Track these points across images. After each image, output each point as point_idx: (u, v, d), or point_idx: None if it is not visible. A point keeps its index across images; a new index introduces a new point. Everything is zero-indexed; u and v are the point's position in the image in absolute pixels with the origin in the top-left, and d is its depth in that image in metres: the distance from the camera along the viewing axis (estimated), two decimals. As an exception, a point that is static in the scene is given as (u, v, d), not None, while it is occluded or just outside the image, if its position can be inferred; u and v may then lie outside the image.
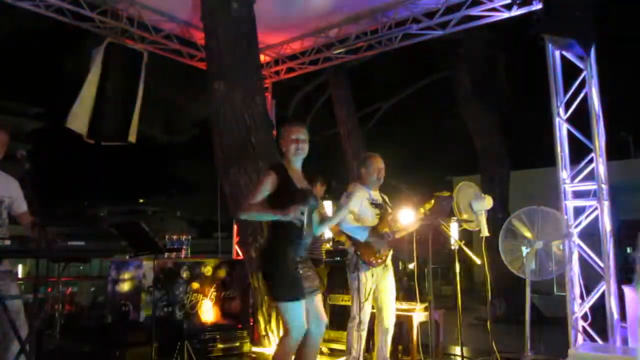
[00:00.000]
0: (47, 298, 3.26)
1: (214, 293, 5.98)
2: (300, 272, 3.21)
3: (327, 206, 6.15)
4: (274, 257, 3.26)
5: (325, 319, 3.35)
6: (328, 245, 6.06)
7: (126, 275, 5.72)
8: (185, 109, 12.89)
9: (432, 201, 4.13)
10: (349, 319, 4.25)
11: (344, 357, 4.33)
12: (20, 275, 9.36)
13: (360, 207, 4.26)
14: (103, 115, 6.11)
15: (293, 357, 3.22)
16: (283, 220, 3.13)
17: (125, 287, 5.70)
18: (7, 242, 2.87)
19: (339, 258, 5.92)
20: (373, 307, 4.34)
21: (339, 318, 5.38)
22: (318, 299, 3.33)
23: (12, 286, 3.31)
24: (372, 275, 4.23)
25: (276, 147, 4.67)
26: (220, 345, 5.37)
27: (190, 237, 6.50)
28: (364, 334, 4.20)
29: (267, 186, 3.23)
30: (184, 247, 6.20)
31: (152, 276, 5.17)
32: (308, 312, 3.23)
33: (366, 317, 4.20)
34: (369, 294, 4.19)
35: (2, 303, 3.06)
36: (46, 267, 3.11)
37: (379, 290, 4.30)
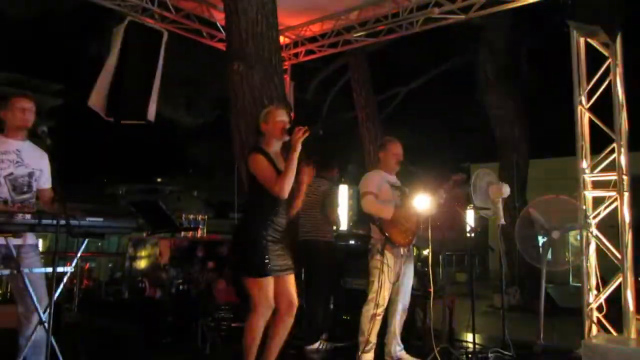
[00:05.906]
0: (66, 272, 3.31)
1: (229, 272, 6.03)
2: (269, 250, 3.21)
3: (343, 190, 6.14)
4: (246, 234, 3.32)
5: (295, 300, 3.34)
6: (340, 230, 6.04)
7: (143, 253, 5.81)
8: (206, 90, 12.91)
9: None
10: (365, 302, 4.25)
11: (357, 340, 4.33)
12: (40, 250, 9.55)
13: (379, 189, 4.26)
14: (122, 94, 6.12)
15: (260, 334, 3.24)
16: (260, 200, 3.23)
17: (142, 264, 5.79)
18: (28, 216, 2.91)
19: (353, 242, 5.92)
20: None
21: (354, 302, 5.39)
22: (289, 279, 3.35)
23: (36, 260, 3.37)
24: (401, 256, 4.23)
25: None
26: (234, 324, 5.44)
27: (206, 217, 6.56)
28: (380, 318, 4.21)
29: (267, 163, 3.25)
30: (200, 226, 6.27)
31: (169, 254, 5.24)
32: (279, 291, 3.28)
33: (385, 301, 4.19)
34: (395, 277, 4.20)
35: (26, 276, 3.12)
36: (65, 242, 3.16)
37: (400, 275, 4.31)
